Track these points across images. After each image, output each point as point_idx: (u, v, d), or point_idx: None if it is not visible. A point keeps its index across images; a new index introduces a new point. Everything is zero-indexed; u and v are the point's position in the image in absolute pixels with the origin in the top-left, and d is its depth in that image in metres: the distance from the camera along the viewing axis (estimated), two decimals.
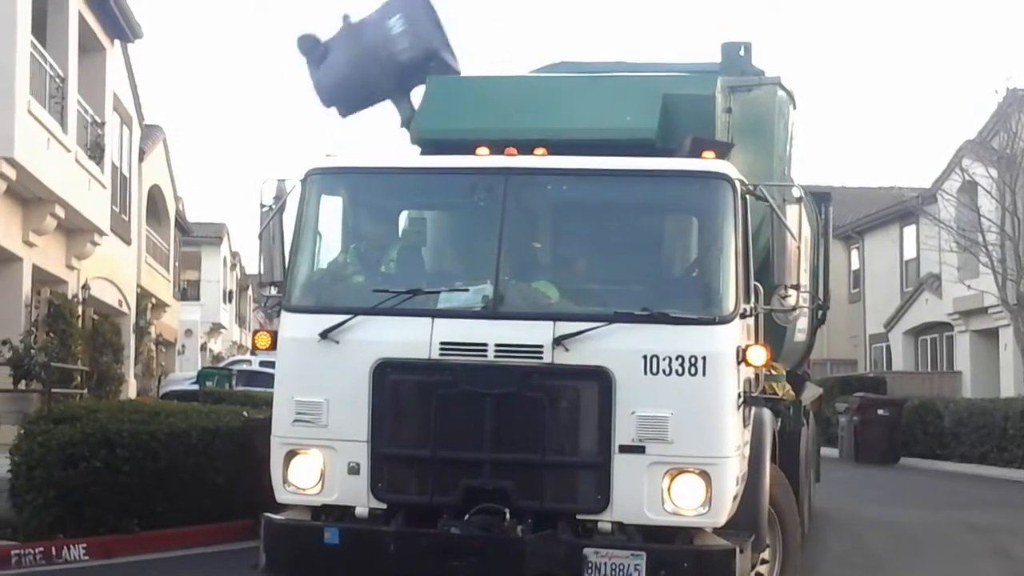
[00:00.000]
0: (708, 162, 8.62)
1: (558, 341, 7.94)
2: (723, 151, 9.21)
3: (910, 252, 39.46)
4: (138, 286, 31.76)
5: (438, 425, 8.05)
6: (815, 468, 16.38)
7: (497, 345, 8.03)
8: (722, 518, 7.93)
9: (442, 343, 8.09)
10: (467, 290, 8.39)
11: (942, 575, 12.81)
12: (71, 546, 12.14)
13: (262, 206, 8.81)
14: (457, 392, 8.02)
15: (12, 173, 18.77)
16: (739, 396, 8.12)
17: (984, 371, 34.10)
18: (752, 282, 8.44)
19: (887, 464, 27.48)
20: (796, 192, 8.69)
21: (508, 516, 7.83)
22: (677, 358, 7.83)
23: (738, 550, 7.83)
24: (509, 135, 9.15)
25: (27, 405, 16.20)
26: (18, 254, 20.92)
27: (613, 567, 7.66)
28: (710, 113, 10.09)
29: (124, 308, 29.30)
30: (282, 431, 8.37)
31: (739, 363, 8.06)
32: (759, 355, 8.15)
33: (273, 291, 8.73)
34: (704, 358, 7.85)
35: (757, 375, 9.02)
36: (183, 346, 48.73)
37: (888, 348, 41.57)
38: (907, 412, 28.89)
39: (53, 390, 17.37)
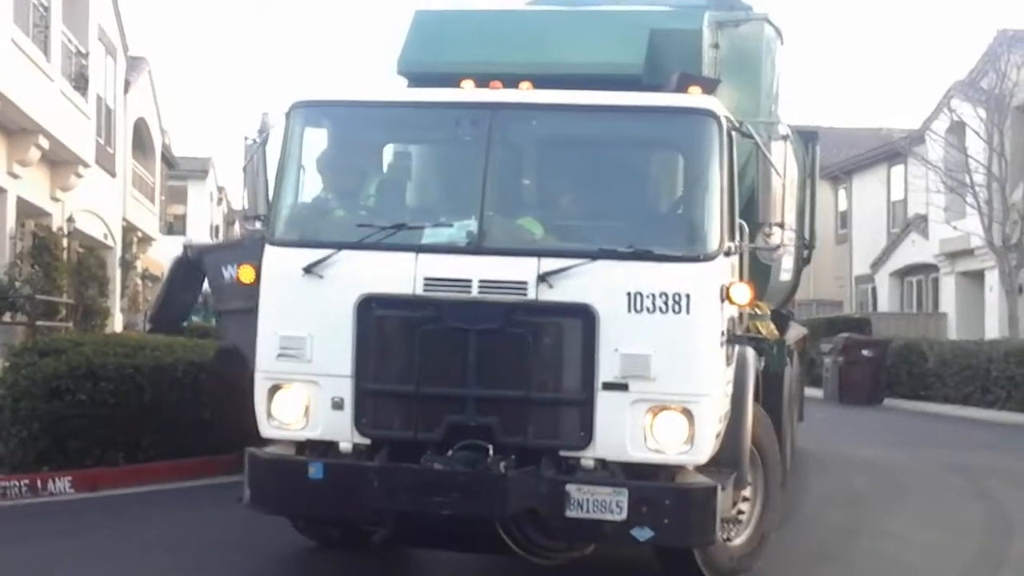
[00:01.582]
0: (694, 97, 8.54)
1: (542, 278, 7.91)
2: (710, 87, 9.11)
3: (897, 193, 39.49)
4: (124, 220, 31.64)
5: (422, 361, 8.03)
6: (799, 408, 16.47)
7: (481, 281, 8.00)
8: (704, 456, 7.96)
9: (426, 279, 8.06)
10: (451, 225, 8.34)
11: (924, 513, 12.88)
12: (56, 479, 12.18)
13: (245, 139, 8.76)
14: (441, 328, 7.99)
15: None
16: (722, 334, 8.11)
17: (969, 313, 34.24)
18: (737, 220, 8.42)
19: (871, 404, 27.62)
20: (782, 129, 8.65)
21: (491, 452, 7.84)
22: (661, 295, 7.81)
23: (719, 488, 7.87)
24: (495, 69, 9.06)
25: (12, 337, 16.15)
26: (2, 185, 20.79)
27: (595, 503, 7.70)
28: (697, 48, 10.02)
29: (109, 242, 29.20)
30: (266, 365, 8.33)
31: (722, 301, 8.05)
32: (743, 293, 8.12)
33: (258, 225, 8.67)
34: (687, 296, 7.82)
35: (741, 314, 9.01)
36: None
37: (874, 289, 41.68)
38: (892, 353, 29.00)
39: (38, 323, 17.34)
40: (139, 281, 35.34)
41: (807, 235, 15.75)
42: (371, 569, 9.48)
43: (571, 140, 8.98)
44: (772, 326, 10.79)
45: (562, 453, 7.96)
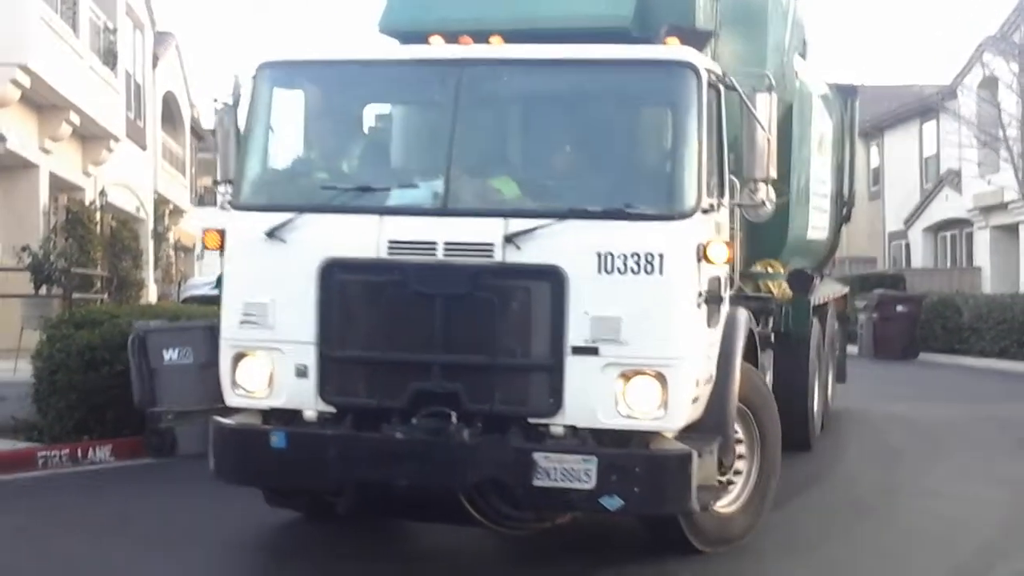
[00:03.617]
0: (670, 49, 8.16)
1: (509, 239, 7.63)
2: (700, 39, 8.85)
3: (930, 149, 39.15)
4: (155, 192, 31.76)
5: (386, 326, 7.84)
6: (838, 368, 16.27)
7: (446, 243, 7.74)
8: (678, 422, 7.69)
9: (390, 241, 7.81)
10: (417, 186, 8.11)
11: (963, 468, 12.81)
12: (97, 448, 12.30)
13: (215, 102, 8.64)
14: (405, 292, 7.75)
15: (26, 80, 18.69)
16: (700, 295, 7.80)
17: (1004, 267, 33.96)
18: (727, 176, 8.26)
19: (906, 359, 27.50)
20: (767, 80, 8.38)
21: (455, 420, 7.61)
22: (632, 256, 7.52)
23: (695, 454, 7.59)
24: (482, 24, 8.72)
25: (48, 310, 16.23)
26: (35, 161, 20.92)
27: (563, 472, 7.48)
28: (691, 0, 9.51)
29: (142, 214, 29.33)
30: (230, 333, 8.15)
31: (699, 261, 7.71)
32: (720, 252, 7.75)
33: (229, 189, 8.47)
34: (660, 256, 7.53)
35: (732, 273, 8.82)
36: (202, 251, 48.82)
37: (907, 245, 41.42)
38: (926, 308, 28.84)
39: (74, 295, 17.42)
40: (172, 252, 35.44)
41: (846, 193, 15.52)
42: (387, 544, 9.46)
43: (542, 96, 8.63)
44: (784, 285, 10.68)
45: (531, 420, 7.71)
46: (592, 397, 7.58)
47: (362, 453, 7.73)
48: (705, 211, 7.85)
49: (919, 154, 40.42)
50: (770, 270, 10.71)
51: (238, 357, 8.15)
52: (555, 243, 7.61)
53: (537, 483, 7.52)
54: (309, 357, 7.90)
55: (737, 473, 8.77)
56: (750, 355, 9.00)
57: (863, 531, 9.67)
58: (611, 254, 7.53)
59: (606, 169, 8.28)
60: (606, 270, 7.54)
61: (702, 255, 7.71)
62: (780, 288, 10.56)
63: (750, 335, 8.90)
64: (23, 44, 18.25)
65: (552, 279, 7.60)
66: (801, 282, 11.71)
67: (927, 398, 19.39)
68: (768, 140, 8.10)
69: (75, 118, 21.40)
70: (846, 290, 17.66)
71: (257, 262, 8.10)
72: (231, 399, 8.23)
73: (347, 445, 7.77)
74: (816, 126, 12.81)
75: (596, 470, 7.46)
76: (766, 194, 8.19)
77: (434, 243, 7.75)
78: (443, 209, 7.87)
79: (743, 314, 8.74)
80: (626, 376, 7.57)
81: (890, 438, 14.83)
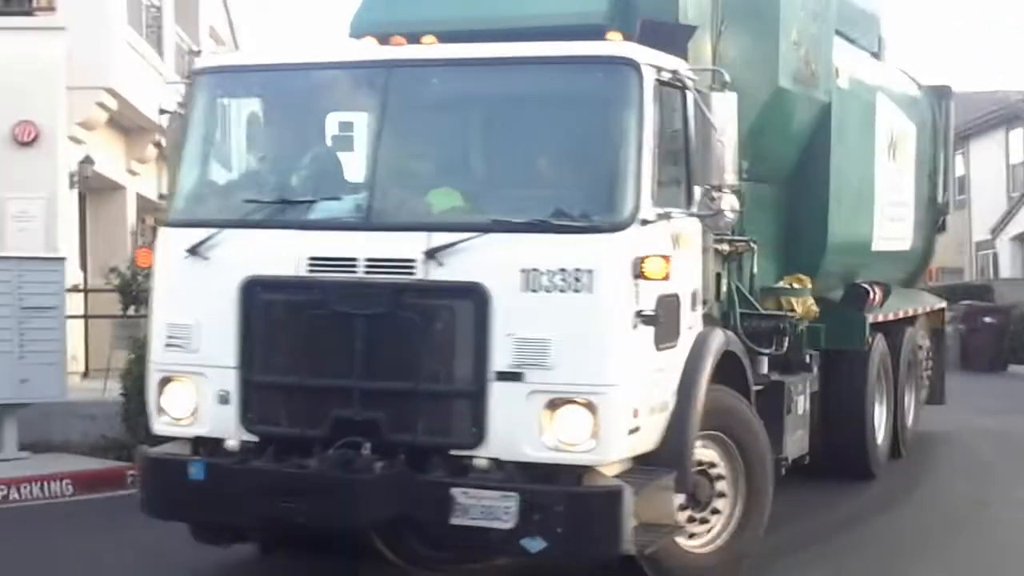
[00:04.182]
0: (609, 45, 7.51)
1: (430, 254, 7.08)
2: (679, 34, 8.17)
3: (1016, 156, 38.56)
4: None
5: (306, 349, 7.31)
6: (933, 389, 15.30)
7: (367, 260, 7.22)
8: (610, 455, 7.02)
9: (310, 258, 7.31)
10: (340, 199, 7.63)
11: None
12: None
13: (161, 113, 8.36)
14: (325, 313, 7.23)
15: (113, 103, 18.97)
16: (638, 315, 7.04)
17: None
18: (690, 183, 7.54)
19: (994, 372, 27.03)
20: (722, 77, 7.70)
21: (369, 451, 7.04)
22: (560, 272, 6.88)
23: (627, 491, 6.89)
24: (449, 25, 8.26)
25: (137, 330, 16.38)
26: (122, 183, 21.20)
27: (482, 510, 6.85)
28: None
29: None
30: (156, 356, 7.76)
31: (637, 278, 6.99)
32: (656, 267, 7.00)
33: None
34: (590, 272, 6.88)
35: (710, 290, 8.26)
36: None
37: (995, 255, 40.75)
38: (1015, 319, 28.35)
39: None
40: None
41: (940, 199, 14.83)
42: None
43: (472, 99, 8.07)
44: (811, 302, 10.02)
45: (453, 452, 7.11)
46: (517, 427, 6.96)
47: (260, 487, 7.18)
48: (644, 222, 7.12)
49: (1006, 161, 39.80)
50: (795, 285, 10.08)
51: (164, 382, 7.75)
52: (478, 259, 7.04)
53: (455, 521, 6.93)
54: (231, 382, 7.45)
55: (715, 512, 8.15)
56: (737, 380, 8.38)
57: (957, 545, 9.54)
58: (536, 270, 6.92)
59: (538, 177, 7.62)
60: (532, 288, 6.93)
61: (639, 271, 7.00)
62: (804, 305, 9.90)
63: (733, 359, 8.28)
64: (109, 67, 18.50)
65: (474, 298, 7.02)
66: (855, 297, 11.20)
67: (1017, 411, 19.03)
68: (722, 143, 7.37)
69: (161, 140, 21.63)
70: (940, 304, 15.90)
71: (181, 281, 7.70)
72: (156, 426, 7.87)
73: (254, 478, 7.25)
74: (883, 128, 12.32)
75: (516, 508, 6.82)
76: (728, 203, 7.45)
77: (355, 260, 7.26)
78: (366, 223, 7.35)
79: (716, 336, 8.04)
80: (554, 404, 6.93)
81: (980, 450, 14.58)
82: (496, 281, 6.98)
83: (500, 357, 6.96)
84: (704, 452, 7.96)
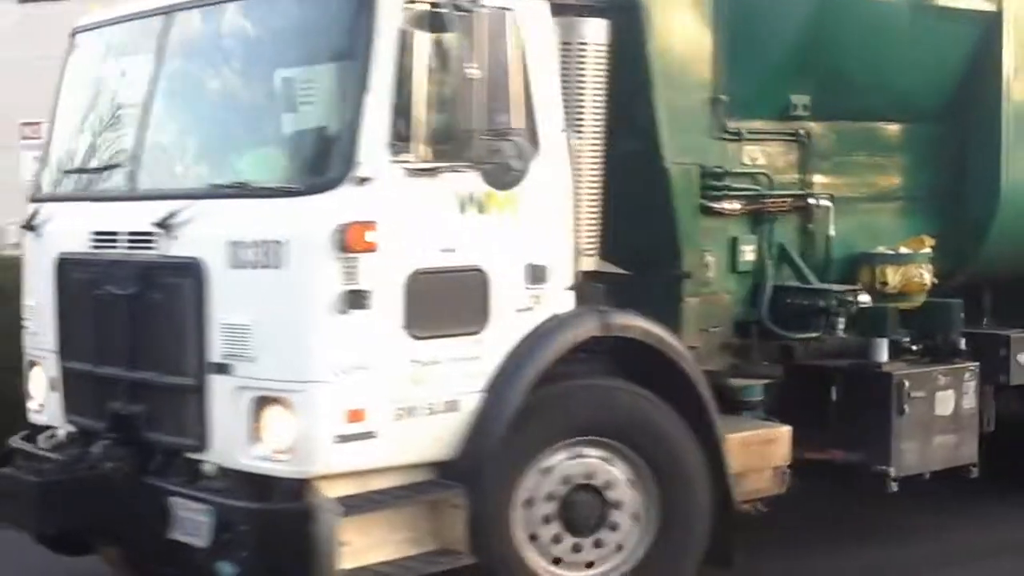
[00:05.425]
0: None
1: (160, 227, 6.38)
2: None
3: None
4: None
5: (92, 334, 6.89)
6: None
7: (128, 234, 6.65)
8: (314, 466, 6.00)
9: (92, 233, 6.85)
10: (120, 165, 6.99)
11: None
12: None
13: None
14: (98, 293, 6.75)
15: None
16: (356, 295, 5.95)
17: None
18: (457, 130, 6.10)
19: None
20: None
21: (102, 449, 6.57)
22: (259, 244, 6.00)
23: (328, 512, 5.87)
24: None
25: None
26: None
27: (190, 524, 6.19)
28: None
29: None
30: (27, 340, 7.53)
31: (343, 250, 5.92)
32: (356, 237, 5.93)
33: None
34: (278, 243, 5.94)
35: (578, 259, 6.78)
36: None
37: None
38: None
39: None
40: None
41: None
42: None
43: (205, 49, 7.05)
44: (918, 273, 8.23)
45: (188, 455, 6.44)
46: (231, 429, 6.20)
47: (9, 488, 6.76)
48: (365, 180, 5.97)
49: None
50: (903, 250, 8.32)
51: (29, 366, 7.52)
52: (199, 231, 6.30)
53: (173, 535, 6.27)
54: (54, 368, 7.20)
55: (598, 546, 6.68)
56: (664, 379, 6.87)
57: None
58: (242, 243, 6.07)
59: (258, 133, 6.78)
60: (238, 264, 6.09)
61: (344, 243, 5.91)
62: (905, 276, 8.19)
63: (656, 358, 6.85)
64: None
65: (194, 275, 6.26)
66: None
67: None
68: (472, 77, 6.00)
69: None
70: None
71: (29, 259, 7.47)
72: (29, 414, 7.57)
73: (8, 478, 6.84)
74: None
75: (210, 525, 6.08)
76: (514, 151, 6.12)
77: (115, 233, 6.73)
78: (130, 193, 6.80)
79: (575, 321, 6.67)
80: (260, 403, 6.10)
81: None
82: (211, 256, 6.22)
83: (214, 346, 6.23)
84: (601, 467, 6.68)
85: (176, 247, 6.37)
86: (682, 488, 6.79)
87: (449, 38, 6.05)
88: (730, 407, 7.58)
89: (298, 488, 6.03)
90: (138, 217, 6.56)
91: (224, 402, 6.20)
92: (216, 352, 6.20)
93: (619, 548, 6.68)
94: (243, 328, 6.08)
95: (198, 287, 6.23)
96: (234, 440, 6.17)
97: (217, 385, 6.22)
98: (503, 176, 6.16)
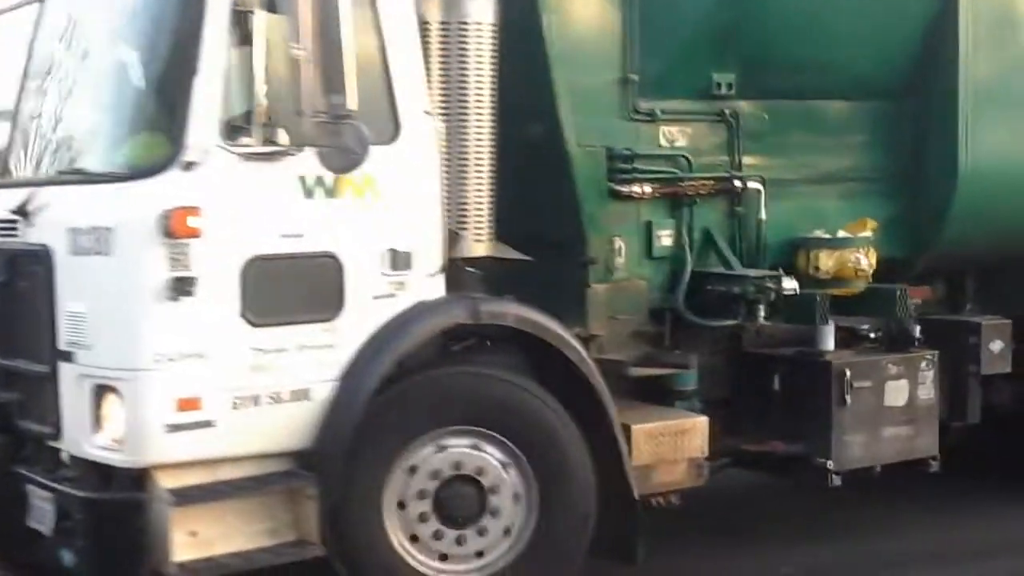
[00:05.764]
0: None
1: (19, 212, 6.40)
2: None
3: None
4: None
5: None
6: None
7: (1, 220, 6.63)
8: (145, 455, 5.89)
9: None
10: (16, 150, 6.97)
11: None
12: None
13: None
14: None
15: None
16: (182, 281, 5.80)
17: None
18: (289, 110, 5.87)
19: None
20: None
21: None
22: (92, 231, 5.97)
23: (161, 503, 5.78)
24: None
25: None
26: None
27: (39, 511, 6.27)
28: None
29: None
30: None
31: (169, 236, 5.77)
32: (180, 222, 5.80)
33: None
34: (108, 230, 5.89)
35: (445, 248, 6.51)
36: None
37: None
38: None
39: None
40: None
41: None
42: None
43: (75, 32, 6.82)
44: (852, 258, 7.80)
45: (49, 443, 6.42)
46: (77, 417, 6.14)
47: None
48: (192, 165, 5.83)
49: None
50: (841, 234, 7.91)
51: None
52: (51, 217, 6.29)
53: (30, 523, 6.32)
54: None
55: (482, 534, 6.50)
56: (551, 367, 6.65)
57: None
58: (80, 229, 6.04)
59: (100, 118, 6.66)
60: (77, 251, 6.07)
61: (168, 228, 5.78)
62: (838, 261, 7.77)
63: (540, 346, 6.60)
64: None
65: (43, 263, 6.25)
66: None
67: None
68: (298, 58, 5.83)
69: None
70: None
71: None
72: None
73: None
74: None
75: (52, 512, 6.16)
76: (352, 134, 5.86)
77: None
78: (8, 179, 6.87)
79: (437, 309, 6.45)
80: (99, 391, 6.04)
81: None
82: (57, 242, 6.19)
83: (62, 333, 6.21)
84: (469, 455, 6.47)
85: (33, 234, 6.37)
86: (560, 473, 6.57)
87: (281, 18, 5.83)
88: (662, 397, 7.36)
89: (137, 477, 5.96)
90: (6, 205, 6.58)
91: (71, 390, 6.17)
92: (63, 339, 6.18)
93: (507, 532, 6.52)
94: (81, 316, 6.06)
95: (48, 274, 6.22)
96: (80, 428, 6.12)
97: (65, 373, 6.19)
98: (341, 160, 5.93)
